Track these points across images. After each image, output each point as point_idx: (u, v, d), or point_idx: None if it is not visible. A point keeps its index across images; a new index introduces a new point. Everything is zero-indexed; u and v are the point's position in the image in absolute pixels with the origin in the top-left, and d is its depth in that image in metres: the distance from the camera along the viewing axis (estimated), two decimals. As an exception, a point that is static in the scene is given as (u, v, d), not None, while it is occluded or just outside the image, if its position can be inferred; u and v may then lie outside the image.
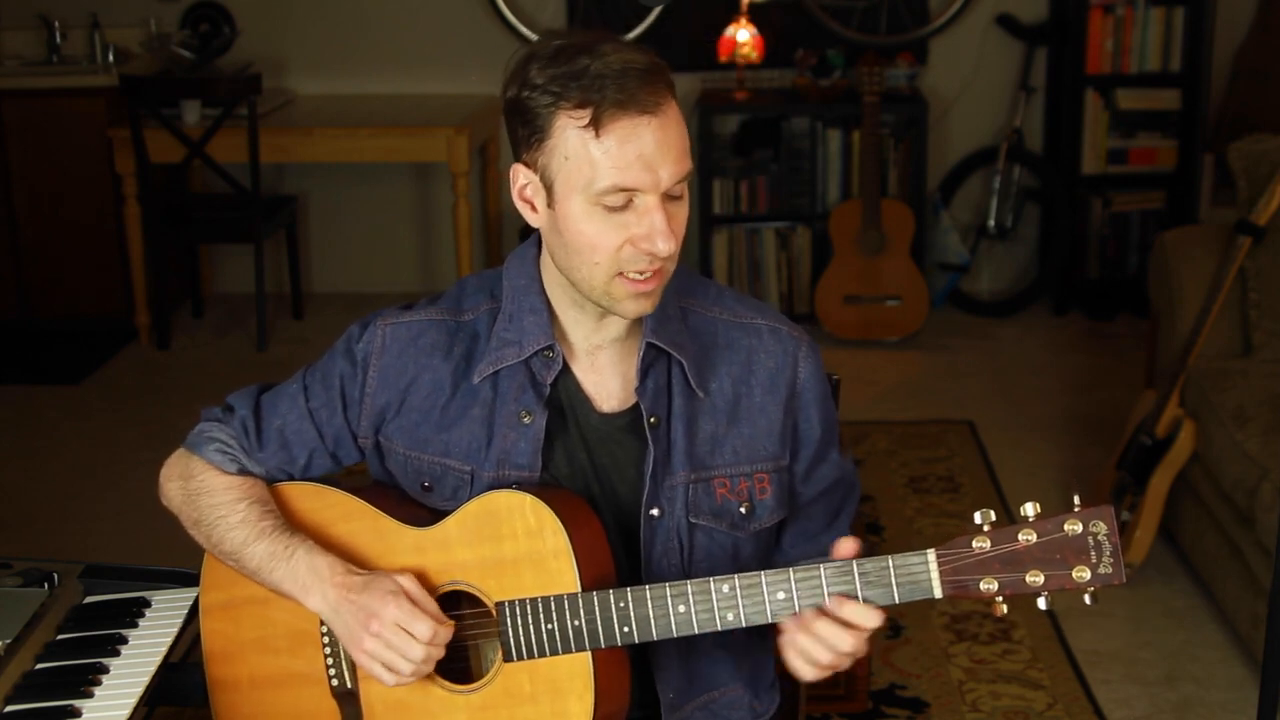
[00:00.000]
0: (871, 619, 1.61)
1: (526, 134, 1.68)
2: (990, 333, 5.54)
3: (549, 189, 1.68)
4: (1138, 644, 3.42)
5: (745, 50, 5.50)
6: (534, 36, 5.69)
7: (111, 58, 5.65)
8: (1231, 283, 3.57)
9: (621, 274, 1.68)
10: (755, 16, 5.54)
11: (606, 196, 1.64)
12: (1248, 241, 3.55)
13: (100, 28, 5.71)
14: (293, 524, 1.86)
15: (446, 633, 1.73)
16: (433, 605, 1.73)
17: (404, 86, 5.85)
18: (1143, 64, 5.43)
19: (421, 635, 1.70)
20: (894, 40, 5.65)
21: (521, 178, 1.72)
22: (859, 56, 5.44)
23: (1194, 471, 3.59)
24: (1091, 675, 3.29)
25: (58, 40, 5.74)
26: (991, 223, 5.65)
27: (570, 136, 1.64)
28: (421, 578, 1.77)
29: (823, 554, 1.85)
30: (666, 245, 1.65)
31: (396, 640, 1.71)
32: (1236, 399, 3.44)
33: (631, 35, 5.63)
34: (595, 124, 1.62)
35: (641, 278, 1.68)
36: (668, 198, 1.66)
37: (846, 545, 1.66)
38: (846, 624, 1.62)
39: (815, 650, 1.64)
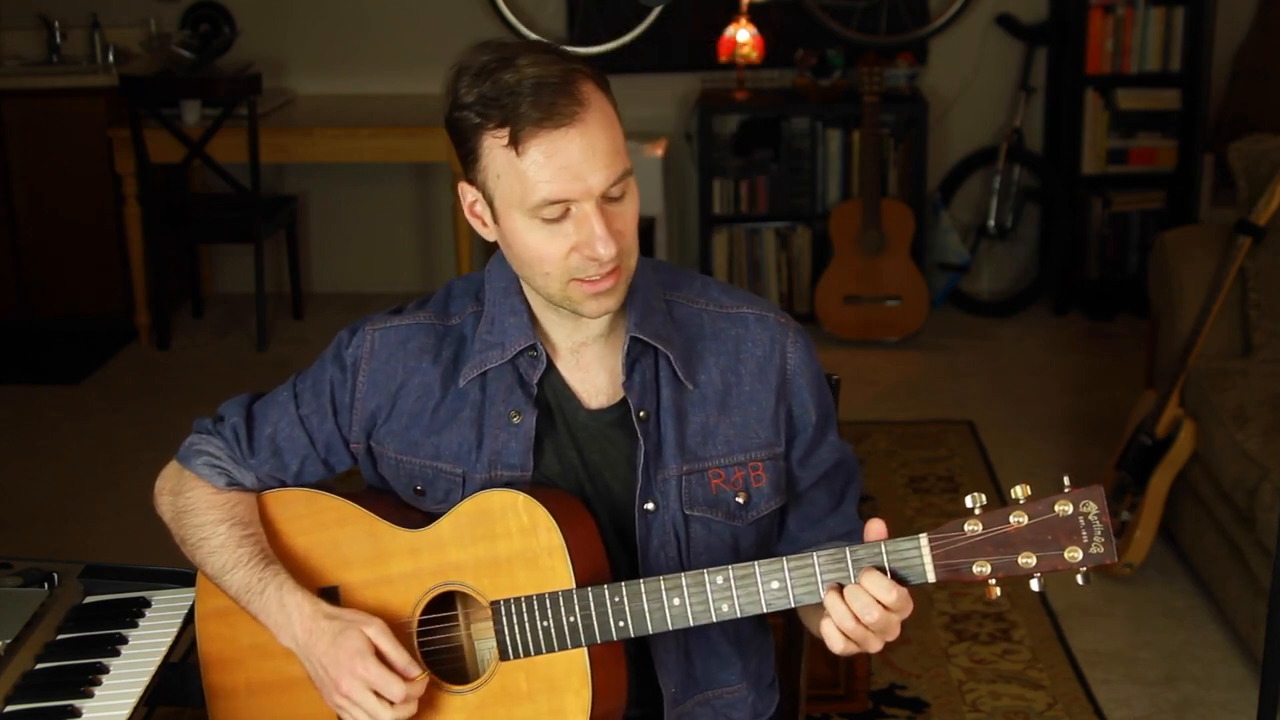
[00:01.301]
0: (884, 591, 1.59)
1: (463, 153, 1.69)
2: (990, 333, 5.54)
3: (491, 205, 1.70)
4: (1138, 644, 3.42)
5: (745, 50, 5.50)
6: (534, 37, 5.69)
7: (111, 58, 5.65)
8: (1231, 283, 3.57)
9: (575, 279, 1.68)
10: (755, 16, 5.54)
11: (541, 210, 1.64)
12: (1248, 241, 3.55)
13: (100, 28, 5.72)
14: (286, 530, 1.87)
15: (419, 688, 1.73)
16: (403, 656, 1.73)
17: (404, 86, 5.85)
18: (1143, 64, 5.43)
19: (394, 697, 1.71)
20: (894, 40, 5.65)
21: (469, 195, 1.73)
22: (859, 56, 5.44)
23: (1194, 471, 3.59)
24: (1091, 675, 3.29)
25: (58, 40, 5.74)
26: (991, 223, 5.65)
27: (497, 155, 1.65)
28: (416, 579, 1.78)
29: (832, 537, 1.86)
30: (607, 250, 1.65)
31: (367, 704, 1.72)
32: (1236, 399, 3.44)
33: (631, 35, 5.64)
34: (515, 142, 1.62)
35: (595, 279, 1.68)
36: (606, 200, 1.66)
37: (876, 527, 1.65)
38: (875, 598, 1.61)
39: (841, 616, 1.61)
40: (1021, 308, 5.69)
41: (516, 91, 1.61)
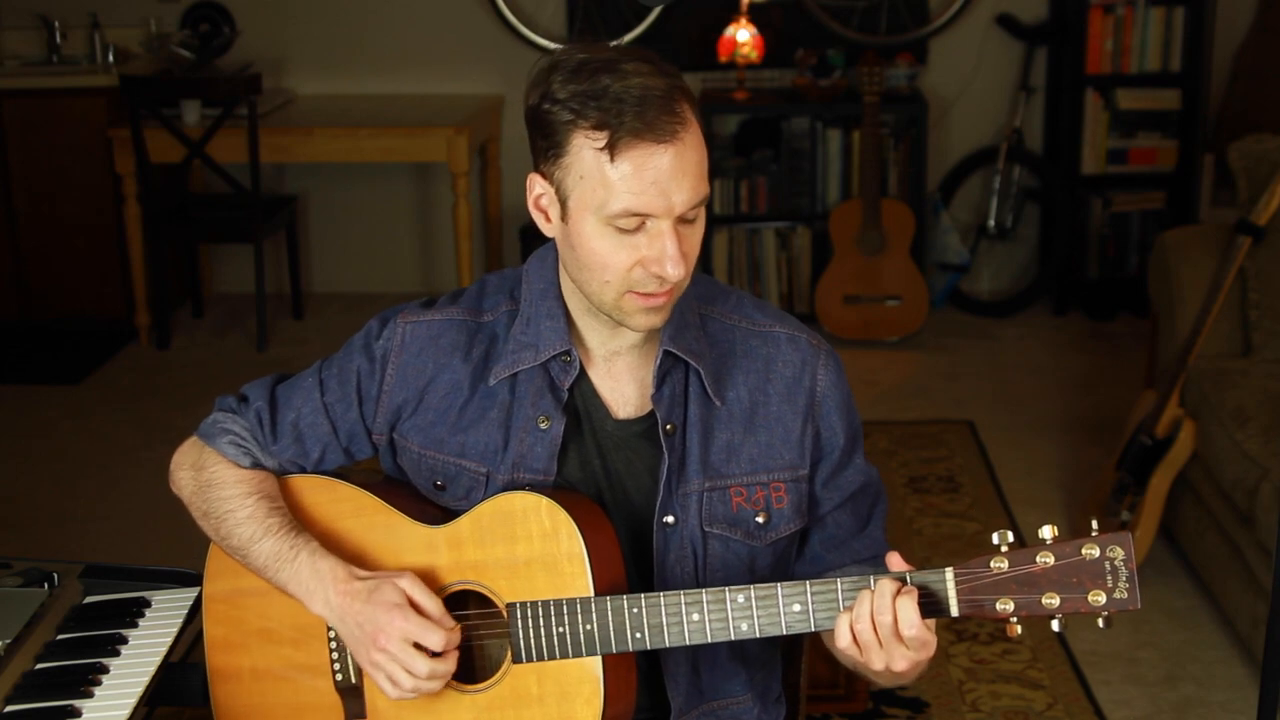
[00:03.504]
0: (909, 610, 1.58)
1: (544, 146, 1.67)
2: (990, 333, 5.54)
3: (563, 203, 1.68)
4: (1138, 644, 3.42)
5: (745, 50, 5.50)
6: (533, 36, 5.69)
7: (111, 58, 5.65)
8: (1231, 283, 3.57)
9: (631, 291, 1.67)
10: (755, 16, 5.54)
11: (619, 219, 1.63)
12: (1248, 241, 3.55)
13: (100, 28, 5.71)
14: (303, 517, 1.86)
15: (456, 637, 1.73)
16: (438, 605, 1.73)
17: (404, 86, 5.85)
18: (1143, 64, 5.43)
19: (434, 646, 1.70)
20: (894, 40, 5.64)
21: (538, 187, 1.71)
22: (859, 56, 5.44)
23: (1194, 471, 3.59)
24: (1091, 675, 3.29)
25: (58, 40, 5.74)
26: (991, 223, 5.65)
27: (586, 156, 1.63)
28: (432, 575, 1.77)
29: (857, 560, 1.86)
30: (676, 270, 1.64)
31: (403, 656, 1.71)
32: (1236, 399, 3.44)
33: (631, 35, 5.64)
34: (611, 148, 1.61)
35: (652, 294, 1.68)
36: (681, 221, 1.66)
37: (895, 560, 1.64)
38: (896, 623, 1.59)
39: (859, 614, 1.61)
40: (1021, 308, 5.69)
41: (622, 99, 1.60)
